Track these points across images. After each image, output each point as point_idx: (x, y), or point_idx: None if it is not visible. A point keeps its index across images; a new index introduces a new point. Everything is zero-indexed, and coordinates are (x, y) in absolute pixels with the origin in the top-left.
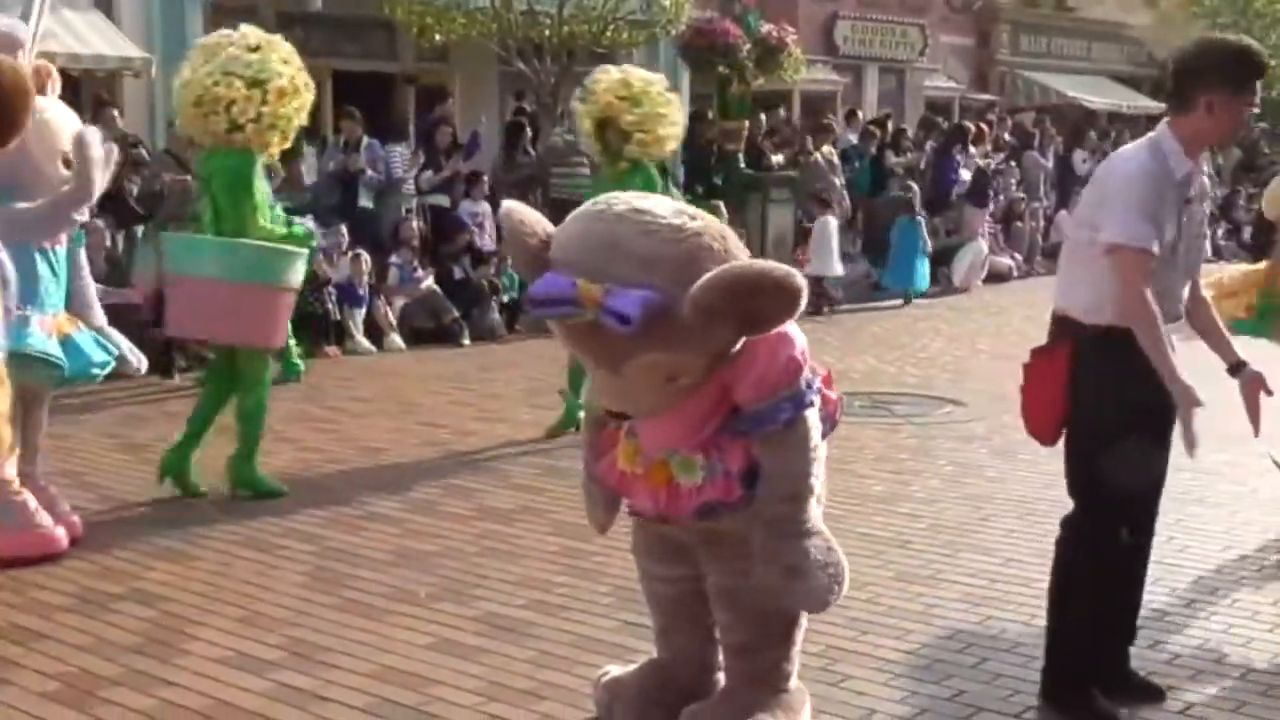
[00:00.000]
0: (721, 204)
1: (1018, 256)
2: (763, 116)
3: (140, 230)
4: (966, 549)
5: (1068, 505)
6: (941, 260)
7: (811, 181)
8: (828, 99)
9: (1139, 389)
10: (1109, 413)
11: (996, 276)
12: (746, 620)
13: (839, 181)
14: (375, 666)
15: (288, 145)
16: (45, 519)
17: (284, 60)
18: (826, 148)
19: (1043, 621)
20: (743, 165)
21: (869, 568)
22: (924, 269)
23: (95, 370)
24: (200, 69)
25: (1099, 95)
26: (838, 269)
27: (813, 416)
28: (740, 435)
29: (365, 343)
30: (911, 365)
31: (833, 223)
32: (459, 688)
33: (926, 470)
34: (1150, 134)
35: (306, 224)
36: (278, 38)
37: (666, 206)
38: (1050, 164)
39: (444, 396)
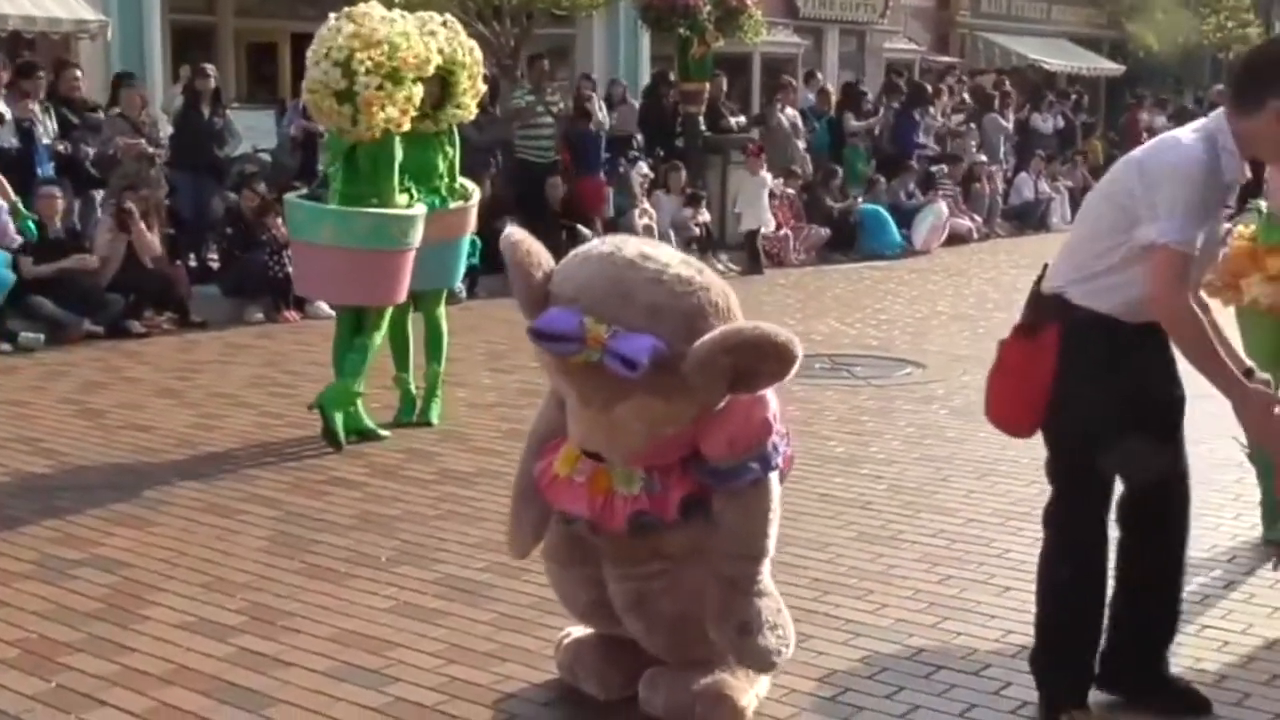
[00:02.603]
0: (682, 167)
1: (977, 218)
2: (724, 79)
3: (99, 195)
4: (926, 510)
5: (1025, 464)
6: (902, 222)
7: (780, 147)
8: (788, 61)
9: (1138, 379)
10: (1103, 406)
11: (956, 239)
12: (659, 628)
13: (801, 145)
14: (336, 630)
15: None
16: None
17: (368, 71)
18: (790, 110)
19: (1002, 581)
20: (703, 128)
21: (829, 529)
22: (893, 228)
23: None
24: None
25: (1059, 57)
26: (770, 223)
27: (774, 477)
28: (691, 471)
29: (325, 307)
30: (872, 327)
31: (765, 177)
32: (420, 650)
33: (887, 431)
34: (1205, 122)
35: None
36: (372, 30)
37: (674, 255)
38: (1010, 126)
39: None
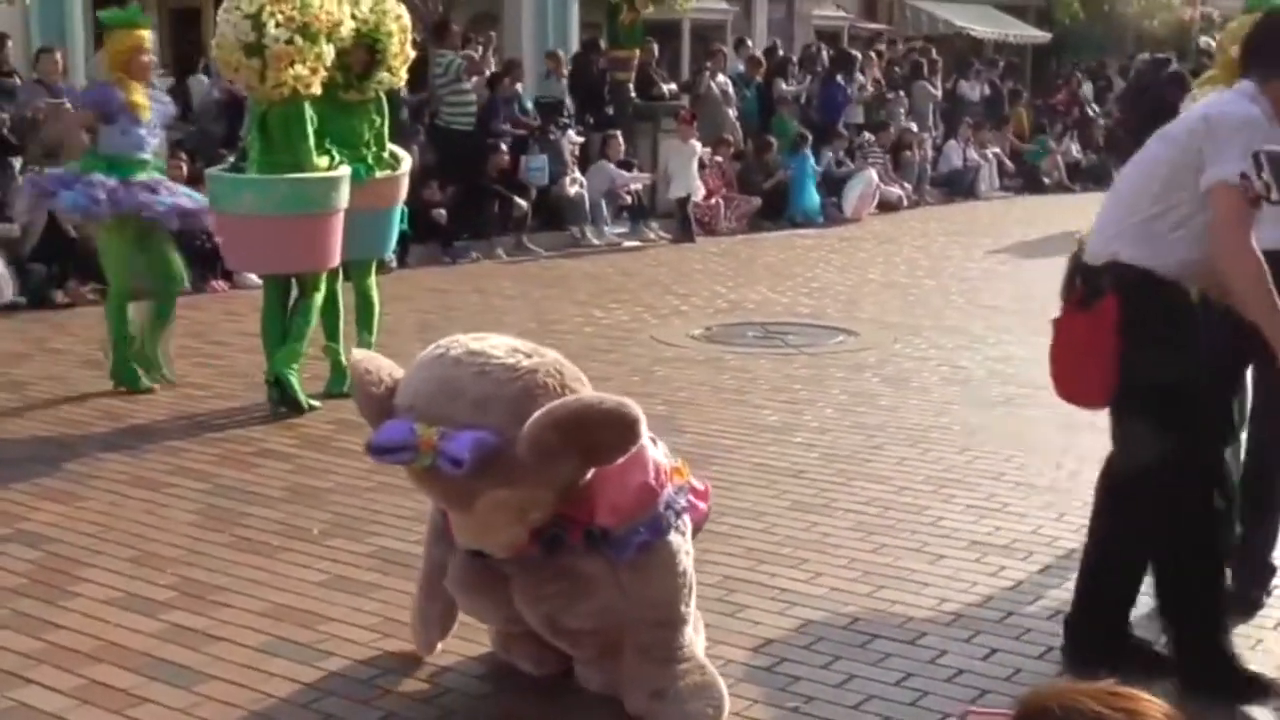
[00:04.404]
0: (619, 134)
1: (907, 186)
2: (655, 46)
3: (18, 162)
4: (860, 478)
5: (957, 432)
6: (832, 190)
7: (711, 115)
8: (718, 28)
9: (1195, 341)
10: (1168, 367)
11: (886, 206)
12: (582, 643)
13: (732, 112)
14: (268, 604)
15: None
16: None
17: (278, 24)
18: (721, 77)
19: (935, 549)
20: (634, 95)
21: (764, 498)
22: (813, 191)
23: None
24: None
25: (986, 24)
26: (699, 190)
27: (676, 541)
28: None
29: (253, 277)
30: (804, 295)
31: (695, 145)
32: (353, 624)
33: (820, 400)
34: (1238, 89)
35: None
36: None
37: (501, 346)
38: (939, 94)
39: None
